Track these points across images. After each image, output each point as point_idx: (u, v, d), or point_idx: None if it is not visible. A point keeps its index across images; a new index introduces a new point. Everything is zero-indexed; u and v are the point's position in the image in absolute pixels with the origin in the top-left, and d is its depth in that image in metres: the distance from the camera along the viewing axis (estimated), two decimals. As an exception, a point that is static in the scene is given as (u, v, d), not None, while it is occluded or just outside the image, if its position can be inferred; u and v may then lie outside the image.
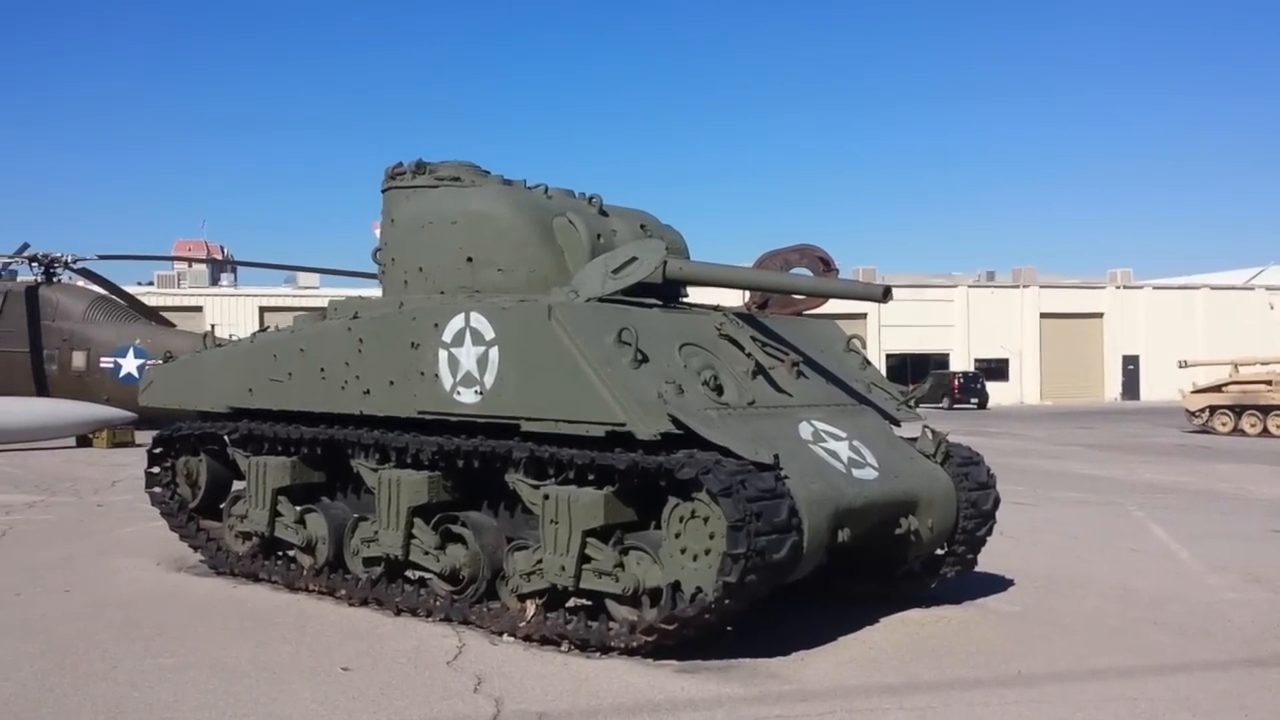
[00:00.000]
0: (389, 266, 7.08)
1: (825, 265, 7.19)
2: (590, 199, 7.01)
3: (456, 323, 5.96)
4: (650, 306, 6.22)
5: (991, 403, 41.64)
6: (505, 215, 6.62)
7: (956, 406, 39.54)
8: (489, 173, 7.13)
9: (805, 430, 5.79)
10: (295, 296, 40.22)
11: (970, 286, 48.29)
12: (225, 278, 43.98)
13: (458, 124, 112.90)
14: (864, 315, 41.30)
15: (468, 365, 5.90)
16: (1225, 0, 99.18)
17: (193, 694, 4.88)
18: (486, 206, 6.67)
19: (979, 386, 41.21)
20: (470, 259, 6.61)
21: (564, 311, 5.61)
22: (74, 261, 21.87)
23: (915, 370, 44.08)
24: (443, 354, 6.00)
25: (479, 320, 5.87)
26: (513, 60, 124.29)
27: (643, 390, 5.34)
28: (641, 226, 7.04)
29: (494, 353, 5.79)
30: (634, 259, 6.27)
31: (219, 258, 48.85)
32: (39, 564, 8.00)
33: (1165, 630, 6.11)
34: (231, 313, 37.26)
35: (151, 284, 39.43)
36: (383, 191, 7.19)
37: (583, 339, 5.47)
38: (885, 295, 5.93)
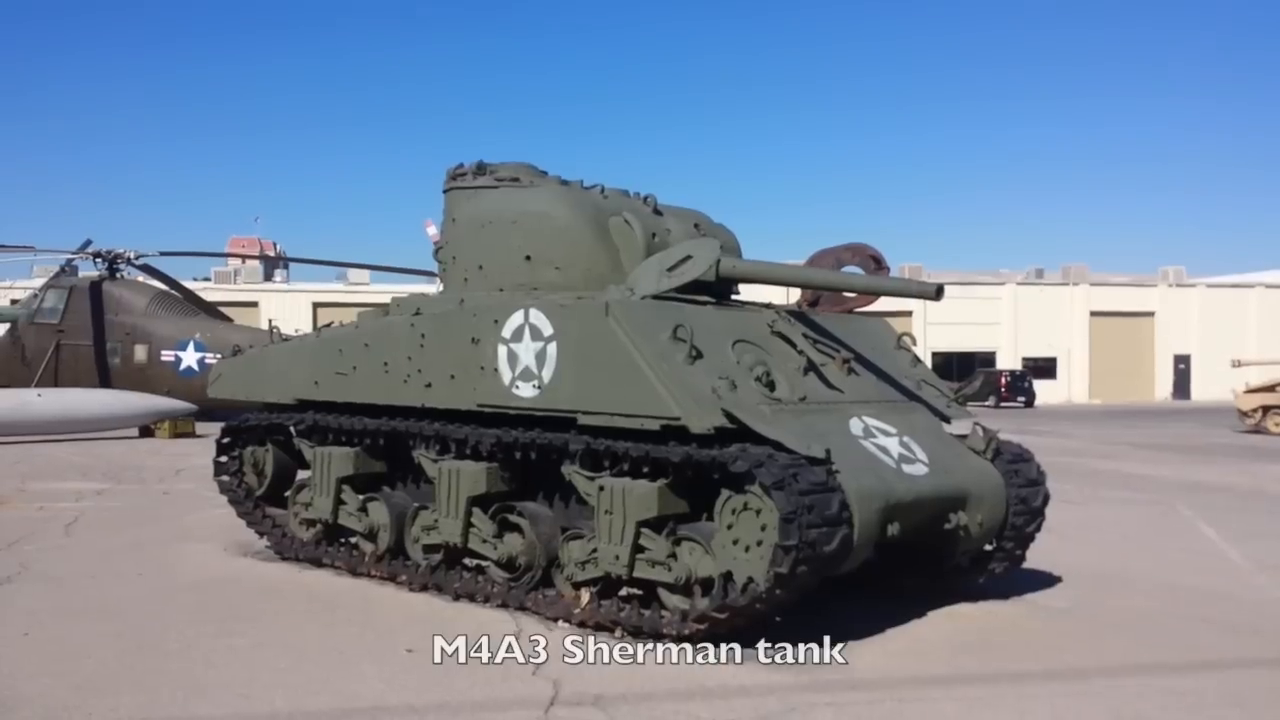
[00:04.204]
0: (450, 264, 7.29)
1: (876, 263, 7.29)
2: (645, 199, 7.17)
3: (516, 319, 6.15)
4: (704, 304, 6.36)
5: (1039, 401, 41.20)
6: (563, 215, 6.80)
7: (1004, 405, 39.18)
8: (547, 173, 7.32)
9: (856, 426, 5.90)
10: (347, 292, 40.89)
11: (1018, 284, 47.78)
12: (279, 274, 44.73)
13: (508, 122, 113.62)
14: (910, 313, 41.08)
15: (526, 360, 6.09)
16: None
17: (266, 672, 5.11)
18: (545, 206, 6.86)
19: (1026, 385, 40.80)
20: (529, 257, 6.80)
21: (621, 309, 5.77)
22: (136, 258, 22.47)
23: (962, 368, 43.74)
24: (502, 349, 6.20)
25: (538, 317, 6.05)
26: (564, 58, 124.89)
27: (697, 385, 5.48)
28: (695, 226, 7.18)
29: (552, 348, 5.97)
30: (689, 257, 6.41)
31: (272, 254, 49.68)
32: (111, 549, 8.32)
33: (1214, 627, 6.15)
34: (286, 308, 37.90)
35: (208, 279, 40.27)
36: (444, 192, 7.42)
37: (639, 335, 5.63)
38: (938, 294, 6.01)
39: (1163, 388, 48.29)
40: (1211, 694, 4.89)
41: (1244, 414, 26.10)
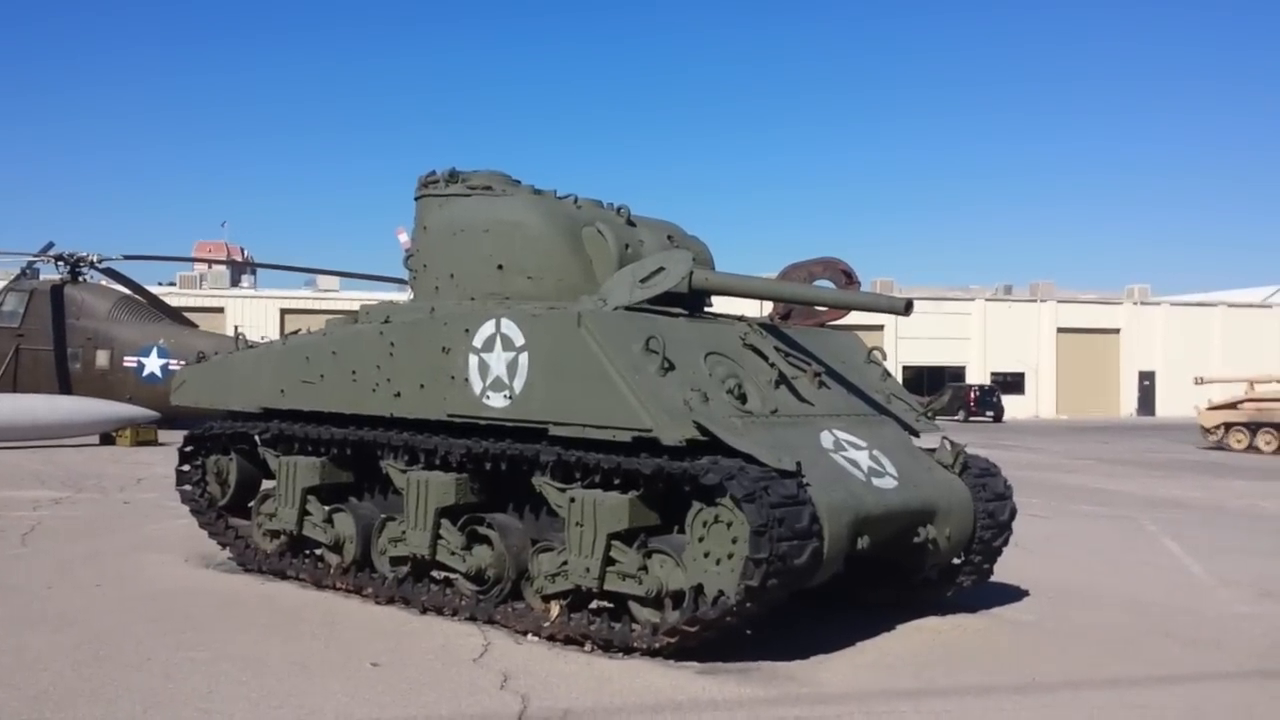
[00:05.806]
0: (421, 272, 7.23)
1: (848, 278, 7.31)
2: (619, 209, 7.15)
3: (487, 328, 6.10)
4: (676, 316, 6.35)
5: (1007, 416, 41.59)
6: (535, 224, 6.77)
7: (972, 419, 39.49)
8: (520, 182, 7.28)
9: (826, 439, 5.91)
10: (315, 299, 40.58)
11: (987, 300, 48.29)
12: (246, 279, 44.32)
13: (480, 131, 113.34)
14: (881, 327, 41.40)
15: (497, 370, 6.04)
16: (1249, 18, 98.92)
17: (226, 686, 5.02)
18: (517, 215, 6.82)
19: (995, 399, 41.16)
20: (500, 266, 6.76)
21: (593, 319, 5.75)
22: (99, 261, 22.15)
23: (931, 382, 44.12)
24: (473, 359, 6.15)
25: (509, 326, 6.01)
26: (538, 67, 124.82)
27: (669, 397, 5.47)
28: (668, 237, 7.17)
29: (523, 358, 5.93)
30: (661, 269, 6.40)
31: (239, 259, 49.23)
32: (69, 558, 8.16)
33: (1177, 642, 6.20)
34: (253, 314, 37.58)
35: (174, 284, 39.81)
36: (416, 199, 7.35)
37: (611, 346, 5.60)
38: (907, 309, 6.05)
39: (1128, 404, 48.94)
40: (1175, 708, 4.93)
41: (1207, 430, 26.51)
